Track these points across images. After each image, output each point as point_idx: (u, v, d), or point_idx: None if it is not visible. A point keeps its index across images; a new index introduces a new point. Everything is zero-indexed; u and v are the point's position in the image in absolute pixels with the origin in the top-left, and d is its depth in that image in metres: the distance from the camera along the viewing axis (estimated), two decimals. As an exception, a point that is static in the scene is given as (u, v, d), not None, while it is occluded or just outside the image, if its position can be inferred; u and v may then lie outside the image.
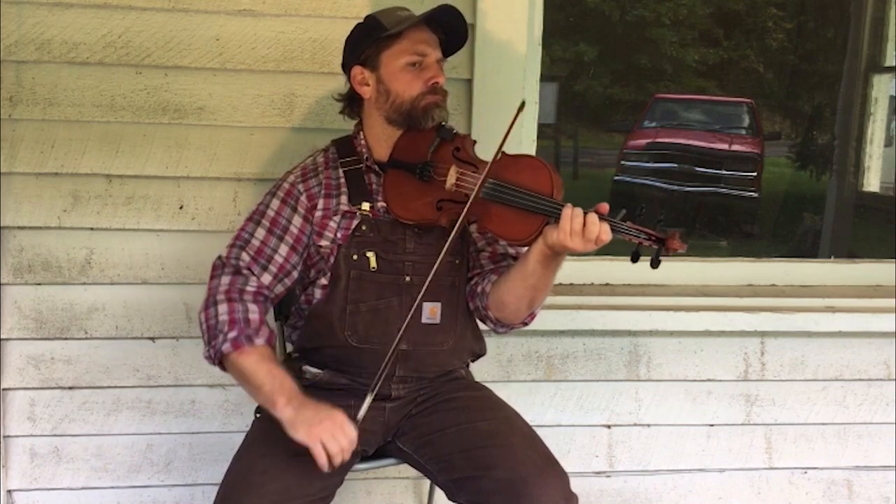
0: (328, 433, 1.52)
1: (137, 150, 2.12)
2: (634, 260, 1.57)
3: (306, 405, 1.56)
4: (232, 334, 1.62)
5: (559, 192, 1.61)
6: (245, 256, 1.72)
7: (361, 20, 1.79)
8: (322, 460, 1.51)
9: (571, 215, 1.53)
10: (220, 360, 1.65)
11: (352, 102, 1.81)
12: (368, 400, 1.59)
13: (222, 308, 1.65)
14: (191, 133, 2.13)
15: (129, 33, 2.07)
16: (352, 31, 1.79)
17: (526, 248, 1.65)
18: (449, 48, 1.81)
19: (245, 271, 1.71)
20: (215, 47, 2.10)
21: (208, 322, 1.66)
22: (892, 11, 4.12)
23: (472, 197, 1.62)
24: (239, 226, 1.77)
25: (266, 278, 1.72)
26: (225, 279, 1.69)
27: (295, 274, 1.76)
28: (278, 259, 1.73)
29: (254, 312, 1.66)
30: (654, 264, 1.55)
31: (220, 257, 1.74)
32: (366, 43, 1.74)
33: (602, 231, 1.52)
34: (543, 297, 1.71)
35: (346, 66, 1.79)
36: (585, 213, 1.53)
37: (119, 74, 2.09)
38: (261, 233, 1.73)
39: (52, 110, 2.08)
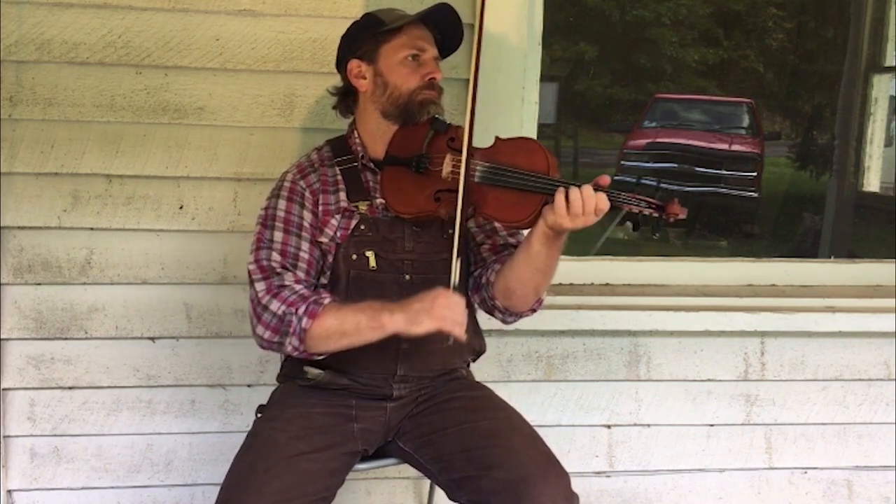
0: (446, 309, 1.54)
1: (137, 150, 2.12)
2: (635, 228, 1.57)
3: (408, 303, 1.58)
4: (301, 309, 1.60)
5: (555, 170, 1.62)
6: (275, 255, 1.68)
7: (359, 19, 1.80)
8: (458, 332, 1.54)
9: (566, 196, 1.53)
10: (304, 344, 1.62)
11: (346, 97, 1.81)
12: (456, 266, 1.61)
13: (274, 305, 1.63)
14: (191, 133, 2.13)
15: (129, 33, 2.07)
16: (349, 28, 1.80)
17: (528, 232, 1.65)
18: (445, 49, 1.82)
19: (279, 269, 1.68)
20: (215, 47, 2.10)
21: (271, 326, 1.63)
22: (892, 11, 4.12)
23: (462, 171, 1.62)
24: (246, 236, 1.77)
25: (300, 275, 1.69)
26: (259, 285, 1.66)
27: (321, 267, 1.75)
28: (304, 255, 1.71)
29: (302, 289, 1.65)
30: (655, 230, 1.55)
31: (248, 265, 1.71)
32: (364, 37, 1.75)
33: (599, 200, 1.53)
34: (549, 279, 1.71)
35: (342, 61, 1.79)
36: (580, 188, 1.53)
37: (119, 74, 2.09)
38: (279, 235, 1.71)
39: (52, 110, 2.08)
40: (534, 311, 1.80)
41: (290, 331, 1.61)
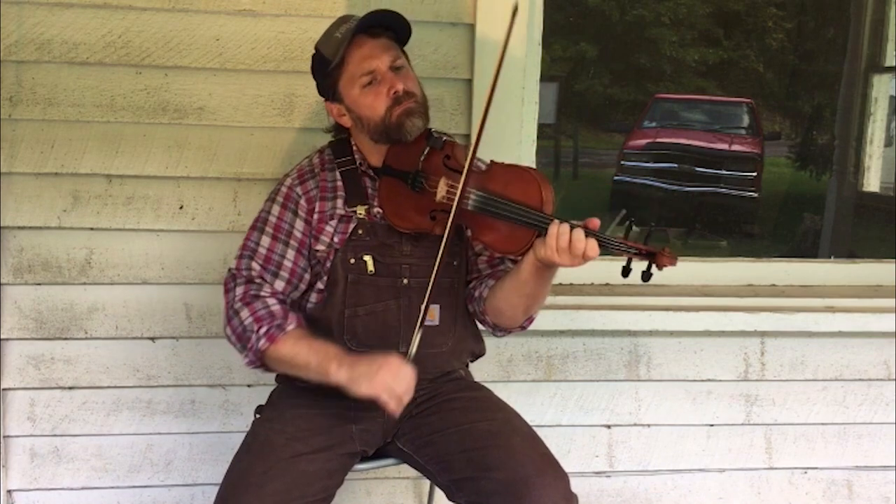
0: (389, 380, 1.54)
1: (137, 150, 2.12)
2: (625, 275, 1.54)
3: (358, 361, 1.58)
4: (262, 330, 1.64)
5: (549, 204, 1.59)
6: (255, 266, 1.72)
7: None
8: (392, 407, 1.53)
9: (557, 233, 1.51)
10: (261, 360, 1.67)
11: (339, 131, 1.82)
12: (417, 337, 1.61)
13: (244, 313, 1.67)
14: (191, 133, 2.13)
15: (129, 33, 2.07)
16: (311, 66, 1.79)
17: (520, 258, 1.65)
18: (402, 36, 1.76)
19: (258, 280, 1.72)
20: (215, 47, 2.10)
21: (236, 332, 1.68)
22: (892, 11, 4.12)
23: (453, 209, 1.61)
24: (244, 236, 1.78)
25: (279, 284, 1.72)
26: (239, 289, 1.71)
27: (307, 277, 1.76)
28: (287, 264, 1.73)
29: (274, 305, 1.68)
30: (645, 278, 1.52)
31: (230, 270, 1.75)
32: (322, 78, 1.74)
33: (588, 248, 1.50)
34: (539, 304, 1.71)
35: (322, 97, 1.79)
36: (572, 229, 1.51)
37: (119, 74, 2.09)
38: (266, 240, 1.73)
39: (52, 110, 2.08)
40: (523, 328, 1.80)
41: (248, 346, 1.66)
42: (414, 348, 1.61)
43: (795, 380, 2.42)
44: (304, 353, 1.63)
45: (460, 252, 1.79)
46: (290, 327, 1.65)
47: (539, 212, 1.57)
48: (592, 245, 1.51)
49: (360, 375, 1.55)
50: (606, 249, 1.53)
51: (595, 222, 1.54)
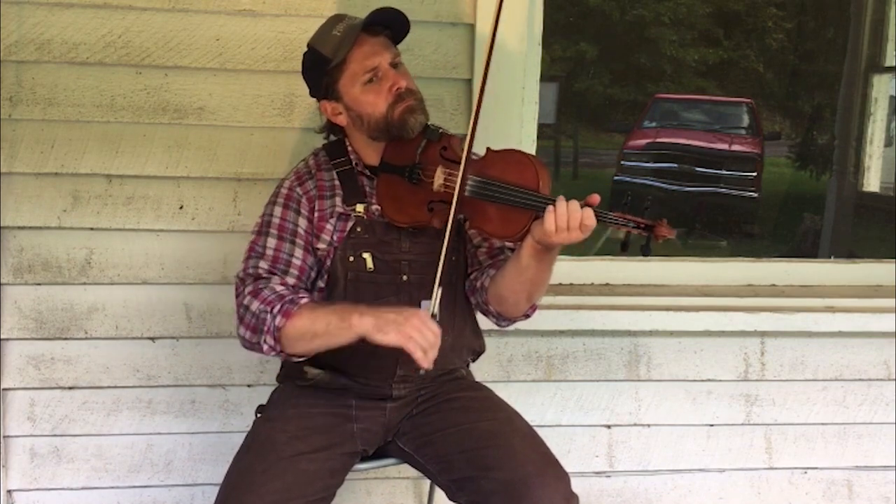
0: (417, 330, 1.50)
1: (137, 150, 2.12)
2: (624, 249, 1.56)
3: (383, 309, 1.54)
4: (276, 309, 1.59)
5: (546, 185, 1.60)
6: (263, 264, 1.70)
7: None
8: (419, 355, 1.49)
9: (555, 214, 1.52)
10: (280, 344, 1.61)
11: (333, 131, 1.81)
12: (437, 292, 1.57)
13: (254, 305, 1.62)
14: (191, 133, 2.13)
15: (129, 33, 2.07)
16: (303, 64, 1.78)
17: (519, 243, 1.65)
18: (399, 34, 1.77)
19: (266, 275, 1.69)
20: (215, 47, 2.10)
21: (250, 326, 1.63)
22: (892, 11, 4.13)
23: (455, 195, 1.61)
24: (244, 238, 1.77)
25: (290, 280, 1.70)
26: (248, 287, 1.67)
27: (313, 275, 1.75)
28: (296, 262, 1.72)
29: (282, 288, 1.64)
30: (645, 252, 1.53)
31: (237, 276, 1.72)
32: (319, 76, 1.72)
33: (585, 216, 1.50)
34: (542, 289, 1.71)
35: (314, 97, 1.78)
36: (567, 203, 1.52)
37: (119, 74, 2.09)
38: (272, 242, 1.72)
39: (52, 110, 2.08)
40: (527, 316, 1.80)
41: (265, 329, 1.60)
42: (436, 306, 1.56)
43: (795, 380, 2.42)
44: (322, 317, 1.57)
45: (459, 247, 1.79)
46: (303, 301, 1.61)
47: (536, 192, 1.58)
48: (589, 214, 1.51)
49: (387, 322, 1.51)
50: (604, 223, 1.53)
51: (595, 198, 1.54)
